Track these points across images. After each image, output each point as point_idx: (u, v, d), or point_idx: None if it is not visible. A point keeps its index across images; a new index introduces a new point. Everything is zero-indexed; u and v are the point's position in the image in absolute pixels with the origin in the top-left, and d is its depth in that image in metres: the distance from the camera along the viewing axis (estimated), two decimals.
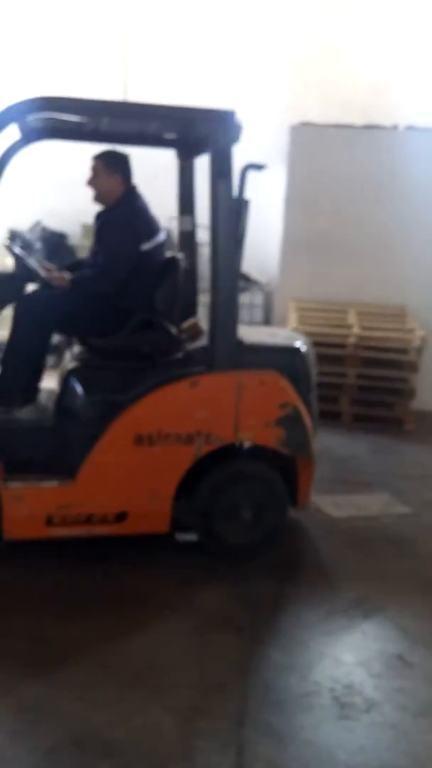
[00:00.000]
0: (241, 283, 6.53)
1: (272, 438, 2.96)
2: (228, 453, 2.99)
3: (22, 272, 2.98)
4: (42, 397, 3.06)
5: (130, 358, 2.91)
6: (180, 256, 3.24)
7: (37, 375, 3.04)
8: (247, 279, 6.42)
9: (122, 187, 3.08)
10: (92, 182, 3.08)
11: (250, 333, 3.30)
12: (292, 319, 5.27)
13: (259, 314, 6.31)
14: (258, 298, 6.29)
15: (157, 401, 2.80)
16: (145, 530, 2.90)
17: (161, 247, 3.11)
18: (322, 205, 5.44)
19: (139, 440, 2.78)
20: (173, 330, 3.01)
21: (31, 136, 3.19)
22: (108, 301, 2.95)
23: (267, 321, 6.28)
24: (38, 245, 8.50)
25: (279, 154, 5.74)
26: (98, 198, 3.12)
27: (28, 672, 2.21)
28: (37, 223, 8.61)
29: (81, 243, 8.04)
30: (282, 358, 3.08)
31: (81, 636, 2.41)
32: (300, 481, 3.14)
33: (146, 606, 2.63)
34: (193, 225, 3.56)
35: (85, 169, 3.13)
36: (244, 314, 6.26)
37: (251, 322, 5.95)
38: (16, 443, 2.81)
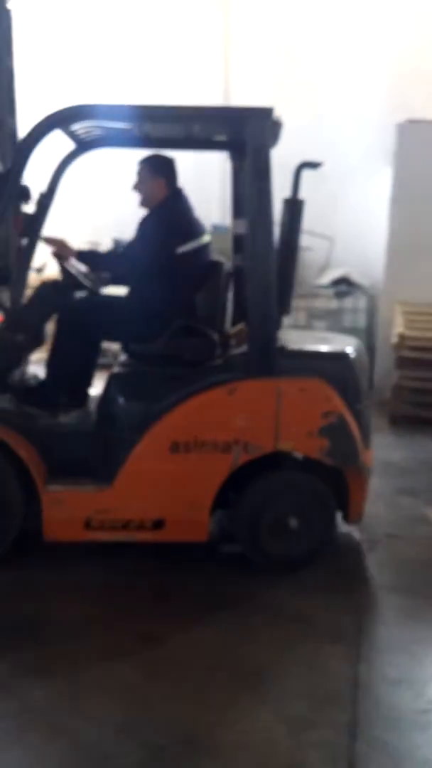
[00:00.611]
0: (343, 287, 6.40)
1: (315, 448, 2.84)
2: (275, 462, 2.89)
3: (69, 281, 3.06)
4: (91, 403, 3.12)
5: (170, 364, 2.89)
6: (224, 260, 3.17)
7: (85, 380, 3.11)
8: (349, 283, 6.22)
9: (166, 190, 3.08)
10: (137, 187, 3.10)
11: (297, 338, 3.18)
12: (399, 323, 5.09)
13: (362, 319, 6.11)
14: (361, 302, 6.10)
15: (193, 408, 2.77)
16: (182, 538, 2.87)
17: (203, 250, 3.07)
18: (430, 206, 5.28)
19: (175, 447, 2.75)
20: (215, 336, 2.95)
21: (84, 145, 3.28)
22: (148, 306, 2.95)
23: (370, 326, 6.07)
24: None
25: (383, 154, 5.54)
26: (143, 202, 3.13)
27: (139, 670, 2.27)
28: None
29: None
30: (327, 365, 2.93)
31: (189, 638, 2.46)
32: (351, 494, 2.99)
33: (255, 613, 2.62)
34: (247, 228, 3.44)
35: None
36: (346, 319, 6.20)
37: (354, 328, 5.78)
38: (60, 447, 2.87)
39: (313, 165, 2.75)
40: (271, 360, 2.79)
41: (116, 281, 3.18)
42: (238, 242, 3.49)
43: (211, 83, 6.85)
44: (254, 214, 2.73)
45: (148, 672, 2.26)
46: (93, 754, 1.91)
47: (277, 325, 2.84)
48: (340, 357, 2.99)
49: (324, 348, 3.12)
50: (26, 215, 3.42)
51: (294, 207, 3.16)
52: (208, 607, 2.65)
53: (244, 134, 2.68)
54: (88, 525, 2.82)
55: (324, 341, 3.31)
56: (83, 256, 3.09)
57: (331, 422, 2.83)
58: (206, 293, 3.01)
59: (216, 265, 3.08)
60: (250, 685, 2.20)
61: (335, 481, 2.97)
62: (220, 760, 1.90)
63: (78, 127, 3.04)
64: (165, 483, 2.81)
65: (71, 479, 2.83)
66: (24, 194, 3.28)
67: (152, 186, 3.07)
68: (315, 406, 2.83)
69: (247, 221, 2.75)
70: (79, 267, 3.09)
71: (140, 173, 3.08)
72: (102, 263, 3.18)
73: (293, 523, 2.90)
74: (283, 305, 3.29)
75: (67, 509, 2.77)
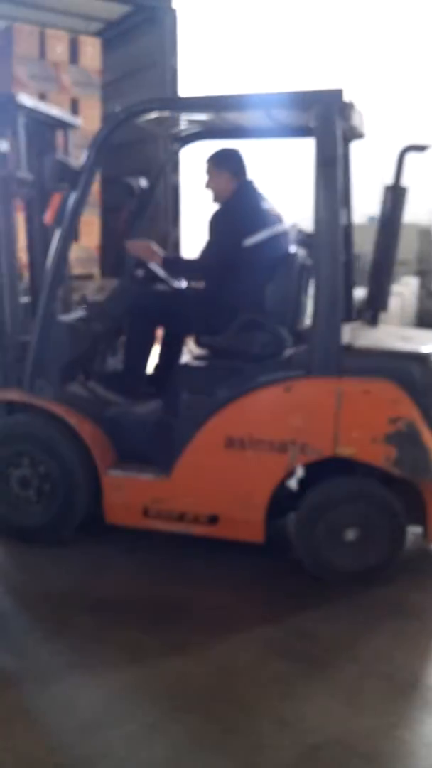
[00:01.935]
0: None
1: (380, 455, 2.61)
2: (347, 468, 2.72)
3: (150, 276, 3.14)
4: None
5: (237, 357, 2.82)
6: (299, 251, 3.02)
7: (144, 370, 3.20)
8: None
9: (232, 184, 3.05)
10: (207, 183, 3.10)
11: (381, 336, 2.96)
12: None
13: None
14: None
15: (250, 404, 2.70)
16: (238, 536, 2.81)
17: (274, 241, 2.96)
18: None
19: (230, 443, 2.71)
20: (283, 331, 2.84)
21: (181, 140, 3.36)
22: (214, 299, 2.94)
23: None
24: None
25: None
26: (214, 198, 3.12)
27: (298, 665, 2.30)
28: (293, 226, 8.80)
29: None
30: (399, 366, 2.66)
31: (344, 637, 2.47)
32: (430, 511, 2.72)
33: (417, 619, 2.59)
34: (349, 219, 3.31)
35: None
36: None
37: None
38: (129, 435, 2.97)
39: (419, 148, 2.54)
40: (332, 358, 2.63)
41: (195, 280, 3.20)
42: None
43: None
44: (319, 206, 2.59)
45: (306, 669, 2.29)
46: (248, 742, 1.96)
47: (339, 321, 2.66)
48: (416, 358, 2.70)
49: (401, 347, 2.85)
50: (129, 211, 3.55)
51: (396, 195, 2.98)
52: (363, 608, 2.63)
53: (313, 118, 2.54)
54: (146, 513, 2.87)
55: (410, 340, 3.00)
56: (167, 262, 3.13)
57: (400, 429, 2.58)
58: (277, 286, 2.90)
59: (287, 257, 2.96)
60: (406, 693, 2.17)
61: (414, 495, 2.71)
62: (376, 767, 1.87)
63: (171, 124, 3.09)
64: (219, 478, 2.77)
65: (134, 466, 2.89)
66: (129, 190, 3.40)
67: (218, 181, 3.07)
68: (381, 410, 2.60)
69: (314, 213, 2.61)
70: (160, 273, 3.16)
71: (207, 170, 3.09)
72: (182, 268, 3.21)
73: (351, 534, 2.70)
74: (380, 301, 3.15)
75: (126, 495, 2.84)
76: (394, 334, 3.25)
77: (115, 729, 2.05)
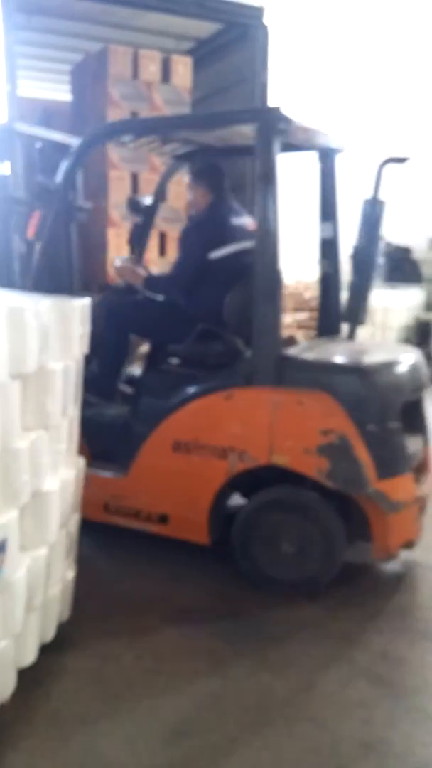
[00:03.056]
0: None
1: (313, 467, 2.66)
2: (289, 478, 2.77)
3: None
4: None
5: (194, 365, 2.95)
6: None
7: (117, 373, 3.39)
8: None
9: (207, 198, 3.19)
10: (189, 196, 3.29)
11: (338, 348, 3.01)
12: None
13: None
14: None
15: (195, 411, 2.81)
16: (186, 537, 2.92)
17: (239, 256, 3.04)
18: None
19: (177, 447, 2.84)
20: (239, 341, 2.91)
21: (180, 158, 3.60)
22: (178, 308, 3.09)
23: None
24: (381, 260, 8.51)
25: None
26: (192, 210, 3.32)
27: (381, 689, 2.35)
28: (381, 239, 8.65)
29: (426, 257, 7.75)
30: (335, 379, 2.68)
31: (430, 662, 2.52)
32: (372, 526, 2.75)
33: None
34: (335, 231, 3.37)
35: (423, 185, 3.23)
36: None
37: None
38: (99, 435, 3.13)
39: (398, 160, 2.56)
40: (269, 368, 2.68)
41: (163, 289, 3.35)
42: (325, 247, 3.41)
43: None
44: (261, 219, 2.67)
45: (387, 692, 2.34)
46: (330, 764, 2.03)
47: (278, 332, 2.73)
48: (355, 371, 2.70)
49: (342, 360, 2.83)
50: (135, 225, 3.78)
51: (374, 208, 3.02)
52: None
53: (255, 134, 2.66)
54: (106, 508, 3.06)
55: (364, 354, 2.96)
56: (150, 281, 3.30)
57: (332, 441, 2.61)
58: (236, 298, 2.99)
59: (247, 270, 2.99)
60: None
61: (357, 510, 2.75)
62: None
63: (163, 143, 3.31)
64: (168, 480, 2.91)
65: (99, 464, 3.06)
66: (136, 206, 3.71)
67: (195, 194, 3.23)
68: (313, 421, 2.64)
69: (256, 226, 2.72)
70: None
71: (188, 183, 3.29)
72: (160, 285, 3.33)
73: (286, 544, 2.79)
74: (357, 314, 3.22)
75: (91, 491, 2.88)
76: (357, 348, 3.16)
77: (197, 738, 2.09)
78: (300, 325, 9.38)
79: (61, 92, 6.61)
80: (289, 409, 2.70)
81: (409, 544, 2.95)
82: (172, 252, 5.68)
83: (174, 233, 5.65)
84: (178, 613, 2.81)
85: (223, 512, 3.00)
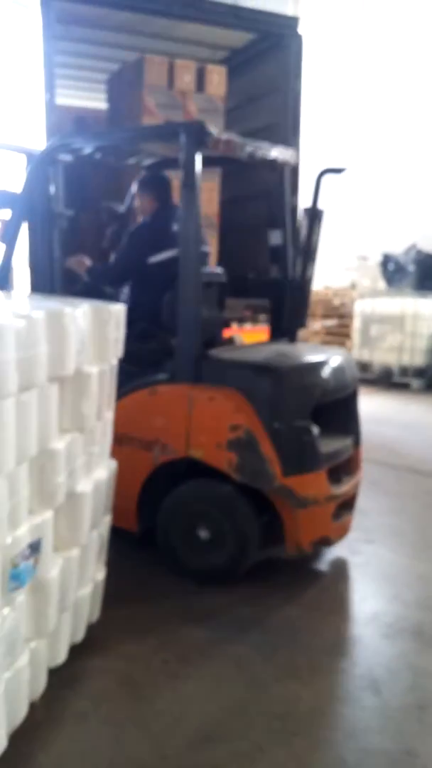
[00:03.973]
0: None
1: (223, 460, 2.81)
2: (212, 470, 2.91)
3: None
4: None
5: (132, 363, 2.96)
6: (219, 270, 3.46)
7: None
8: None
9: (152, 206, 3.45)
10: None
11: (263, 350, 3.16)
12: None
13: None
14: None
15: (127, 405, 2.91)
16: (118, 524, 2.90)
17: (177, 261, 3.09)
18: None
19: (114, 439, 2.85)
20: (173, 340, 3.03)
21: (148, 168, 3.71)
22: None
23: None
24: (411, 267, 8.46)
25: None
26: (141, 216, 3.56)
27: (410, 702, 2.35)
28: (412, 246, 8.59)
29: None
30: (244, 377, 2.82)
31: None
32: (285, 522, 2.91)
33: None
34: (284, 239, 3.52)
35: None
36: None
37: None
38: None
39: (336, 170, 2.68)
40: (189, 366, 2.85)
41: (98, 279, 3.49)
42: (274, 253, 3.58)
43: None
44: (183, 226, 2.86)
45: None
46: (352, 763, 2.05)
47: (198, 332, 2.89)
48: (262, 370, 2.82)
49: (252, 360, 2.95)
50: (112, 232, 4.09)
51: (314, 216, 3.17)
52: None
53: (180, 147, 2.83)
54: None
55: (283, 355, 3.06)
56: (91, 271, 3.48)
57: (240, 436, 2.75)
58: (169, 300, 3.10)
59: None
60: None
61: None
62: None
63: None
64: None
65: None
66: (111, 213, 4.04)
67: (142, 201, 3.52)
68: (222, 417, 2.79)
69: (179, 230, 2.92)
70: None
71: (136, 192, 3.54)
72: (97, 274, 3.46)
73: (202, 534, 2.96)
74: (298, 317, 3.41)
75: None
76: (283, 350, 3.26)
77: (224, 744, 2.10)
78: (329, 332, 9.38)
79: (95, 101, 6.71)
80: (202, 404, 2.86)
81: (325, 542, 3.09)
82: None
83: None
84: (205, 618, 2.82)
85: (152, 502, 3.08)
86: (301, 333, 9.79)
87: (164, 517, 3.01)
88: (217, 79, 5.59)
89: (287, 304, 3.42)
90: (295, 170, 5.48)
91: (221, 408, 2.81)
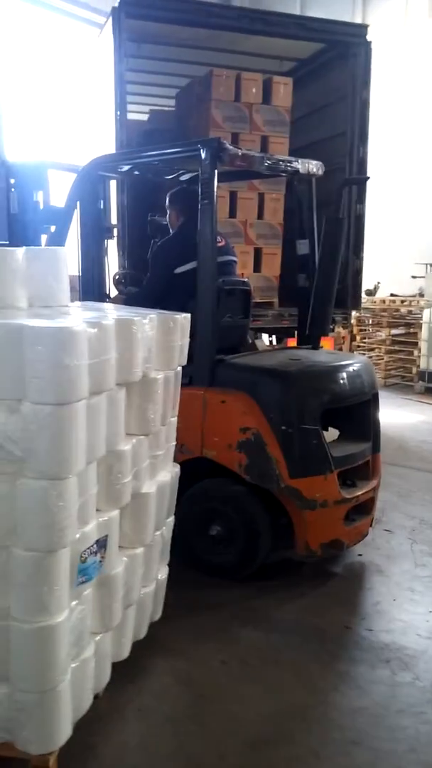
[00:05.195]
0: None
1: (234, 461, 2.94)
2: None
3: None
4: None
5: None
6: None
7: None
8: None
9: (179, 219, 3.56)
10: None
11: (272, 355, 3.39)
12: None
13: None
14: None
15: None
16: None
17: None
18: None
19: None
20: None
21: (185, 182, 3.84)
22: None
23: None
24: None
25: None
26: (171, 228, 3.66)
27: None
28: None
29: None
30: (257, 381, 2.94)
31: None
32: (294, 523, 3.00)
33: None
34: (312, 248, 3.60)
35: None
36: None
37: None
38: None
39: (357, 180, 2.77)
40: (205, 370, 2.99)
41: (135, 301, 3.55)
42: (302, 262, 3.69)
43: None
44: (201, 236, 2.98)
45: None
46: None
47: (215, 338, 3.02)
48: (272, 375, 2.93)
49: (263, 365, 3.05)
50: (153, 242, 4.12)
51: (335, 226, 3.28)
52: None
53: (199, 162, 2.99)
54: None
55: (298, 361, 3.15)
56: (128, 299, 3.65)
57: (248, 438, 2.88)
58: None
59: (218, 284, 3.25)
60: None
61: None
62: None
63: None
64: None
65: None
66: (157, 227, 4.14)
67: (170, 215, 3.64)
68: (234, 419, 2.91)
69: (198, 246, 3.05)
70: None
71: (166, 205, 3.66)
72: (136, 300, 3.52)
73: (215, 531, 3.11)
74: (322, 325, 3.51)
75: None
76: (301, 356, 3.33)
77: (281, 749, 2.11)
78: (395, 341, 9.21)
79: (167, 114, 6.87)
80: (214, 407, 2.98)
81: (336, 546, 3.08)
82: (267, 267, 5.77)
83: (269, 249, 5.73)
84: (265, 623, 2.85)
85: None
86: (368, 341, 9.63)
87: (181, 513, 3.02)
88: (283, 90, 5.64)
89: (311, 312, 3.52)
90: (361, 180, 5.48)
91: (232, 411, 2.97)
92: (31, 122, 9.36)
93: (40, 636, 1.81)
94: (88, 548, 1.97)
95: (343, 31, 5.82)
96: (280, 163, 3.29)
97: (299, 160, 3.40)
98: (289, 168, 3.33)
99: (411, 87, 11.01)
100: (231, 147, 2.99)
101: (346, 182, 3.12)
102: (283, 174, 3.45)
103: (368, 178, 3.14)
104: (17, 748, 1.90)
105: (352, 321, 8.77)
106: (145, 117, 6.78)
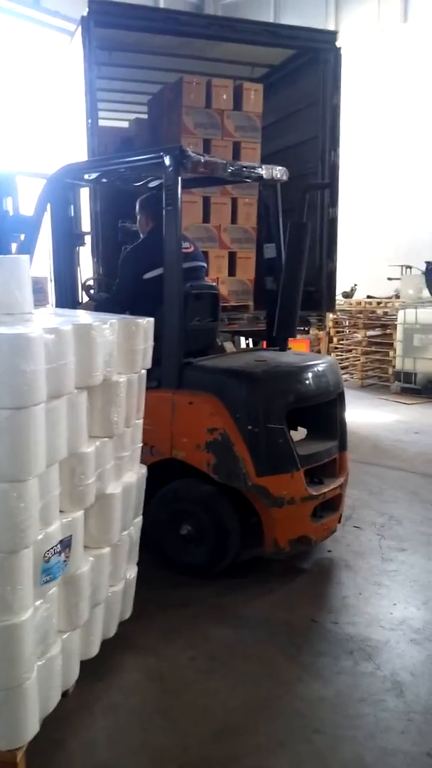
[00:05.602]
0: None
1: (203, 461, 3.03)
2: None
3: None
4: None
5: None
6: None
7: None
8: None
9: (149, 225, 3.65)
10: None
11: (239, 357, 3.46)
12: None
13: None
14: None
15: None
16: None
17: None
18: None
19: None
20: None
21: (154, 188, 3.86)
22: None
23: None
24: None
25: None
26: (141, 234, 3.77)
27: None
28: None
29: None
30: (224, 382, 3.02)
31: None
32: (263, 521, 3.07)
33: None
34: (279, 252, 3.70)
35: None
36: None
37: None
38: None
39: (320, 186, 2.91)
40: (172, 373, 3.08)
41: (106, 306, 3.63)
42: (270, 266, 3.80)
43: None
44: (166, 242, 3.07)
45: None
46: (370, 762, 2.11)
47: (181, 342, 3.09)
48: (237, 376, 3.02)
49: (229, 367, 3.13)
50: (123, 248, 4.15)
51: (299, 230, 3.35)
52: None
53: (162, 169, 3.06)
54: None
55: (264, 362, 3.23)
56: (99, 305, 3.74)
57: (216, 439, 2.96)
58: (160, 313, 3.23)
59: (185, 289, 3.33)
60: None
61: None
62: None
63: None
64: None
65: None
66: (127, 232, 4.23)
67: (140, 220, 3.73)
68: (201, 420, 2.99)
69: (165, 252, 3.12)
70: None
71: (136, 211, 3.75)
72: (104, 306, 3.59)
73: (184, 530, 3.17)
74: (288, 327, 3.56)
75: None
76: (267, 357, 3.41)
77: (245, 739, 2.17)
78: (371, 342, 9.34)
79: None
80: (182, 408, 3.07)
81: (304, 542, 3.16)
82: (242, 271, 5.85)
83: (243, 253, 5.81)
84: (234, 620, 2.92)
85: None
86: (345, 343, 9.70)
87: (151, 514, 3.09)
88: (254, 96, 5.72)
89: (277, 314, 3.60)
90: (333, 182, 5.57)
91: (199, 412, 3.04)
92: (2, 130, 9.39)
93: (3, 634, 1.85)
94: (52, 548, 2.02)
95: (313, 38, 5.93)
96: (244, 169, 3.38)
97: (263, 166, 3.49)
98: (253, 174, 3.42)
99: (385, 90, 11.17)
100: (193, 154, 3.07)
101: (309, 187, 3.20)
102: (248, 180, 3.53)
103: (330, 183, 3.27)
104: None
105: (329, 323, 8.89)
106: (125, 124, 6.85)
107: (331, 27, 11.23)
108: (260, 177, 3.46)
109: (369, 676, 2.51)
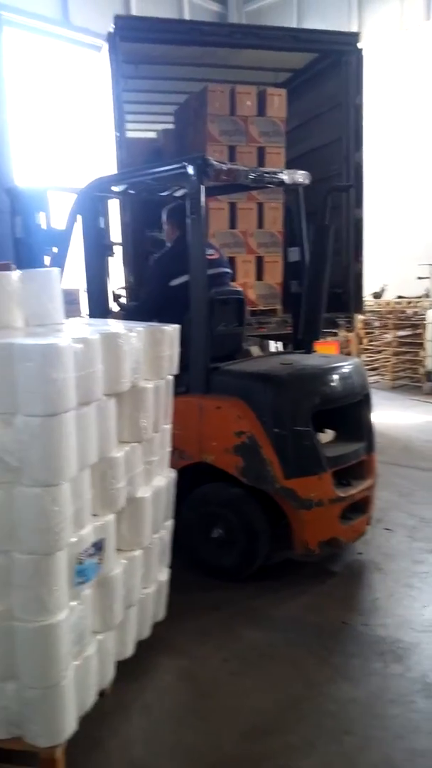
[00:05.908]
0: None
1: (231, 464, 3.07)
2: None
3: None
4: None
5: None
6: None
7: None
8: None
9: (175, 233, 3.71)
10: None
11: (266, 360, 3.47)
12: None
13: None
14: None
15: None
16: None
17: None
18: None
19: None
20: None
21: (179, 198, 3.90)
22: None
23: None
24: None
25: None
26: (168, 242, 3.83)
27: None
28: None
29: None
30: (250, 386, 3.06)
31: None
32: (292, 523, 3.10)
33: None
34: (303, 255, 3.72)
35: None
36: None
37: None
38: None
39: (342, 188, 2.92)
40: (200, 378, 3.12)
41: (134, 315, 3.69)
42: (294, 269, 3.82)
43: None
44: (191, 250, 3.12)
45: None
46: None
47: (208, 347, 3.14)
48: (263, 380, 3.04)
49: (256, 371, 3.15)
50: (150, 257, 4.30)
51: (322, 233, 3.39)
52: None
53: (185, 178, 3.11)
54: None
55: (291, 365, 3.24)
56: (128, 313, 3.85)
57: (244, 442, 3.00)
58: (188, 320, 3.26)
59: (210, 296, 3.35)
60: None
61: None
62: None
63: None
64: None
65: None
66: (154, 242, 4.44)
67: (167, 229, 3.79)
68: (228, 424, 3.03)
69: (190, 260, 3.17)
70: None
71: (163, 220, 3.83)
72: (134, 314, 3.67)
73: (216, 534, 3.20)
74: (313, 329, 3.62)
75: None
76: (294, 360, 3.43)
77: (276, 739, 2.21)
78: (401, 342, 9.25)
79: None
80: (210, 413, 3.11)
81: (334, 544, 3.17)
82: (269, 275, 5.88)
83: (270, 257, 5.84)
84: (265, 622, 2.95)
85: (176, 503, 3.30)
86: (375, 344, 9.63)
87: (182, 517, 3.13)
88: (278, 101, 5.76)
89: (302, 317, 3.64)
90: (358, 183, 5.57)
91: (227, 416, 3.09)
92: (34, 146, 9.60)
93: (41, 634, 1.93)
94: (85, 550, 2.08)
95: (335, 40, 5.94)
96: (265, 175, 3.42)
97: (285, 171, 3.53)
98: (274, 179, 3.46)
99: (410, 89, 11.08)
100: (215, 162, 3.12)
101: (331, 190, 3.27)
102: (270, 185, 3.57)
103: (352, 185, 3.30)
104: (27, 742, 2.01)
105: (359, 324, 8.83)
106: (153, 135, 6.95)
107: (354, 27, 11.19)
108: (282, 182, 3.49)
109: (399, 678, 2.52)
